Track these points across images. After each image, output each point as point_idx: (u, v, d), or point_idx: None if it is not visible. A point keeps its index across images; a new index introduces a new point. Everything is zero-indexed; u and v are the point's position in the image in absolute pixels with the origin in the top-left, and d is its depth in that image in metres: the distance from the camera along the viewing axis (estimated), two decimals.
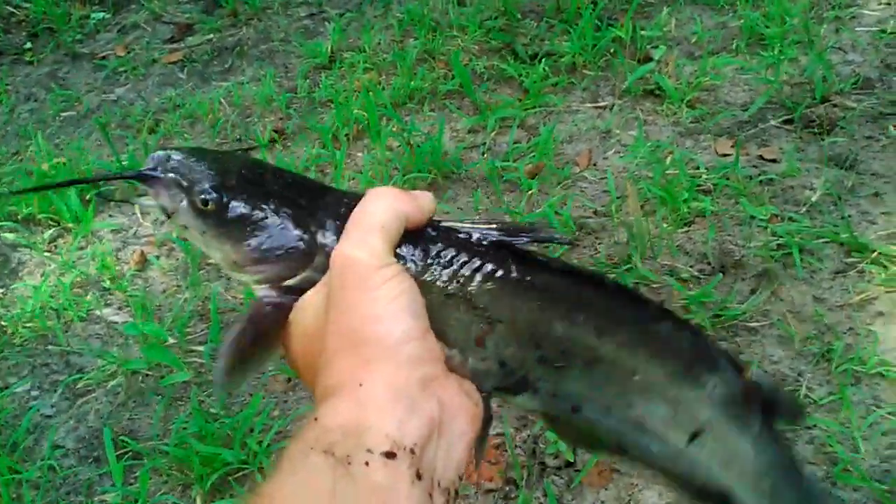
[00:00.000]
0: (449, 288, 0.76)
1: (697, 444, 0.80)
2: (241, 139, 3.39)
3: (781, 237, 2.44)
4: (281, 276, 0.78)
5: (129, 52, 4.20)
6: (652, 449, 0.80)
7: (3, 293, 2.76)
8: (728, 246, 2.49)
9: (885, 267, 2.30)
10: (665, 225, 2.59)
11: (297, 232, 0.78)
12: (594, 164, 2.98)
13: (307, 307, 0.77)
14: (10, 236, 2.95)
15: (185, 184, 0.78)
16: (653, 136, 3.01)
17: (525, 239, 0.80)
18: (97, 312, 2.66)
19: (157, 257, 2.85)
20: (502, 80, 3.48)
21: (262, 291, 0.79)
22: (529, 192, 2.83)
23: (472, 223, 0.80)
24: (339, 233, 0.76)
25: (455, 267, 0.77)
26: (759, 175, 2.72)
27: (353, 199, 0.77)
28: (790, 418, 0.83)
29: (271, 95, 3.60)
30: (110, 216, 3.08)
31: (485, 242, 0.79)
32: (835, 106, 2.97)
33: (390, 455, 0.66)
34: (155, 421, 2.27)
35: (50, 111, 3.80)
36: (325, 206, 0.79)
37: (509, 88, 3.45)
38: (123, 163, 3.14)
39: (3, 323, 2.63)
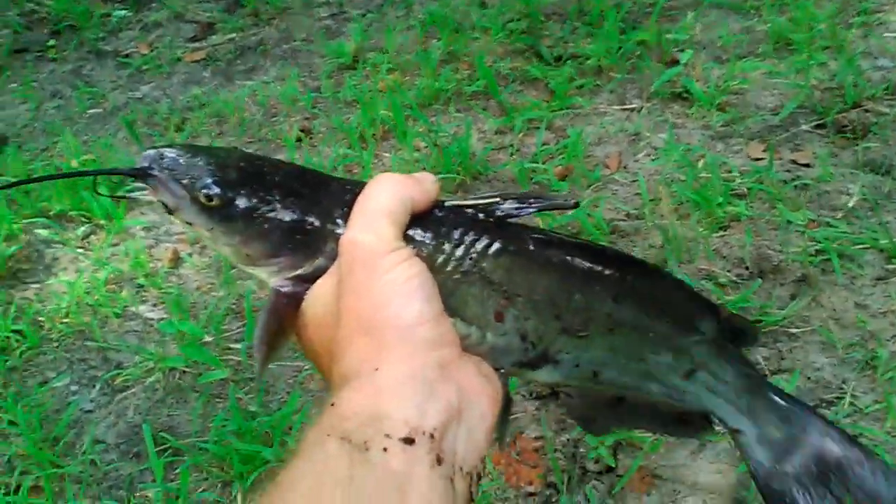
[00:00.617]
0: (462, 266, 0.77)
1: (691, 379, 0.86)
2: (269, 138, 3.39)
3: (820, 242, 2.44)
4: (293, 267, 0.79)
5: (152, 50, 4.20)
6: (652, 390, 0.86)
7: (39, 289, 2.76)
8: (765, 251, 2.49)
9: None
10: (700, 229, 2.59)
11: (305, 221, 0.78)
12: (624, 167, 2.98)
13: (319, 295, 0.77)
14: (43, 232, 2.94)
15: (186, 180, 0.77)
16: (683, 139, 3.01)
17: (532, 208, 0.81)
18: (132, 309, 2.66)
19: (190, 255, 2.85)
20: (527, 82, 3.49)
21: (277, 282, 0.80)
22: (560, 193, 2.83)
23: (476, 198, 0.82)
24: (346, 219, 0.76)
25: (466, 244, 0.78)
26: (794, 180, 2.72)
27: (358, 186, 0.78)
28: (752, 342, 0.90)
29: (296, 95, 3.61)
30: (142, 213, 3.08)
31: (492, 218, 0.80)
32: (867, 111, 2.97)
33: (409, 441, 0.65)
34: (194, 418, 2.27)
35: (76, 108, 3.80)
36: (331, 194, 0.80)
37: (535, 90, 3.45)
38: None
39: (39, 318, 2.63)
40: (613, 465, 2.03)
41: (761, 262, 2.45)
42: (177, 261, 2.83)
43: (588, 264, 0.82)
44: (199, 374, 2.39)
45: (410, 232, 0.77)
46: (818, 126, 2.96)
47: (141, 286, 2.74)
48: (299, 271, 0.79)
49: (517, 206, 0.81)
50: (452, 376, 0.71)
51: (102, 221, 2.96)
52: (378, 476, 0.64)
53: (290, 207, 0.78)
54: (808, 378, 2.14)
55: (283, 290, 0.79)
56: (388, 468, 0.64)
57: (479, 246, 0.78)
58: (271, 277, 0.80)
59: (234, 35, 4.22)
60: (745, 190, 2.71)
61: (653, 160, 2.94)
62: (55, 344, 2.57)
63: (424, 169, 3.03)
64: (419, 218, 0.78)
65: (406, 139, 3.15)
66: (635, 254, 2.55)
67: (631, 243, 2.62)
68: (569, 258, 0.81)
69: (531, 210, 0.81)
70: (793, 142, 2.93)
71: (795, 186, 2.69)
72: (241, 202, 0.77)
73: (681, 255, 2.48)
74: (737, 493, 1.93)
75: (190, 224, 0.80)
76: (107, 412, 2.36)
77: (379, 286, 0.71)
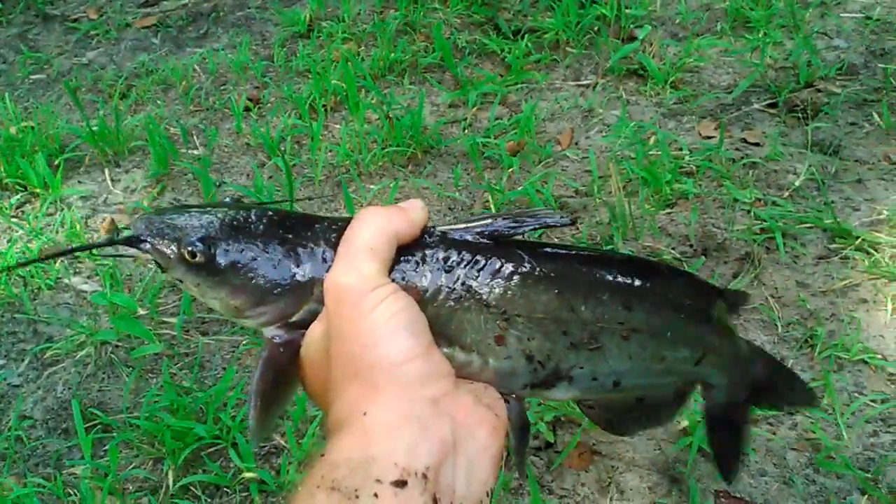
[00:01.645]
0: (455, 293, 0.76)
1: (701, 363, 0.87)
2: (216, 107, 3.31)
3: (765, 221, 2.43)
4: (284, 314, 0.78)
5: (101, 16, 4.08)
6: (667, 383, 0.87)
7: None
8: (711, 229, 2.47)
9: (868, 254, 2.30)
10: (647, 206, 2.56)
11: (290, 267, 0.78)
12: (576, 143, 2.95)
13: (312, 340, 0.76)
14: None
15: (171, 242, 0.79)
16: (635, 116, 2.98)
17: (525, 227, 0.80)
18: (66, 281, 2.59)
19: (128, 226, 2.77)
20: (484, 55, 3.43)
21: (271, 332, 0.79)
22: (510, 169, 2.79)
23: (467, 223, 0.80)
24: (332, 261, 0.76)
25: (457, 270, 0.77)
26: (743, 158, 2.70)
27: (343, 224, 0.78)
28: (741, 308, 0.95)
29: (247, 63, 3.52)
30: (79, 182, 2.99)
31: (483, 240, 0.79)
32: (819, 91, 2.96)
33: (401, 483, 0.63)
34: (125, 393, 2.21)
35: (19, 73, 3.68)
36: (315, 236, 0.79)
37: (491, 64, 3.40)
38: (93, 128, 3.05)
39: None
40: (552, 442, 2.01)
41: (706, 240, 2.43)
42: (114, 231, 2.75)
43: (590, 274, 0.80)
44: (131, 348, 2.33)
45: (399, 264, 0.76)
46: (770, 105, 2.95)
47: (75, 257, 2.66)
48: (291, 318, 0.78)
49: (510, 225, 0.80)
50: (446, 410, 0.69)
51: (38, 190, 2.87)
52: None
53: (274, 255, 0.78)
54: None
55: (276, 339, 0.79)
56: None
57: (471, 270, 0.77)
58: (264, 327, 0.80)
59: (186, 1, 4.11)
60: (694, 168, 2.68)
61: (604, 137, 2.91)
62: None
63: (375, 141, 2.98)
64: (408, 248, 0.77)
65: (358, 110, 3.09)
66: (582, 230, 2.52)
67: (579, 220, 2.59)
68: (568, 270, 0.80)
69: (525, 229, 0.80)
70: (744, 120, 2.91)
71: (744, 165, 2.67)
72: (224, 256, 0.78)
73: (626, 232, 2.46)
74: (674, 470, 1.92)
75: (181, 281, 0.81)
76: (35, 387, 2.29)
77: (364, 327, 0.69)
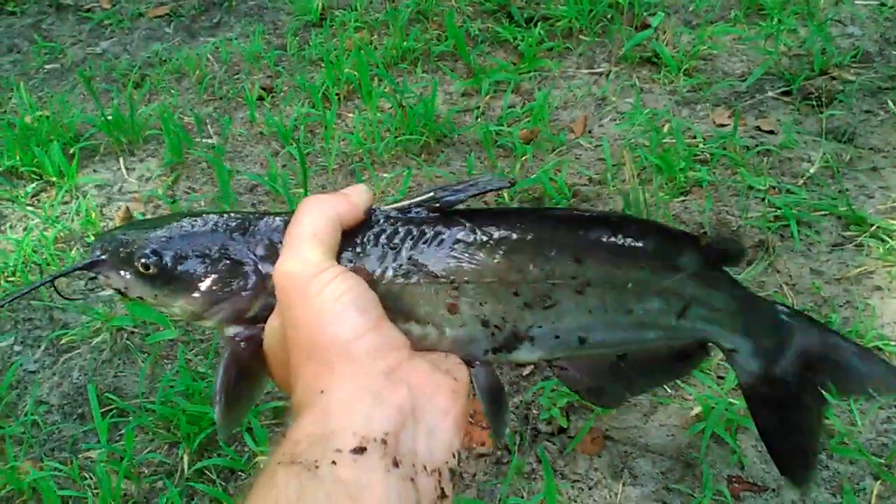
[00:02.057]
0: (402, 269, 0.77)
1: (686, 316, 0.84)
2: (229, 96, 3.32)
3: (779, 209, 2.42)
4: (241, 311, 0.81)
5: (114, 5, 4.09)
6: (649, 338, 0.84)
7: None
8: (725, 216, 2.47)
9: (883, 241, 2.29)
10: (661, 194, 2.56)
11: (239, 265, 0.80)
12: (589, 131, 2.94)
13: (270, 332, 0.78)
14: None
15: (125, 258, 0.81)
16: (649, 104, 2.97)
17: (467, 193, 0.80)
18: None
19: (143, 214, 2.79)
20: (497, 44, 3.43)
21: (231, 330, 0.81)
22: (524, 157, 2.79)
23: (410, 199, 0.81)
24: (277, 252, 0.78)
25: (403, 246, 0.78)
26: (757, 146, 2.69)
27: (289, 217, 0.79)
28: (739, 259, 0.88)
29: (260, 52, 3.53)
30: (95, 171, 3.01)
31: (426, 213, 0.80)
32: (833, 79, 2.95)
33: (359, 450, 0.65)
34: (141, 378, 2.23)
35: (33, 63, 3.70)
36: (262, 231, 0.81)
37: (504, 52, 3.39)
38: (108, 117, 3.06)
39: None
40: (565, 427, 2.01)
41: (720, 227, 2.43)
42: (129, 219, 2.77)
43: (535, 232, 0.80)
44: (146, 334, 2.34)
45: (347, 248, 0.78)
46: (784, 93, 2.93)
47: (87, 244, 2.68)
48: (248, 314, 0.80)
49: (452, 195, 0.80)
50: (402, 380, 0.70)
51: (54, 178, 2.89)
52: (328, 489, 0.63)
53: (221, 255, 0.80)
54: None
55: (237, 336, 0.81)
56: (338, 479, 0.64)
57: (416, 244, 0.78)
58: (225, 326, 0.82)
59: None
60: (708, 156, 2.68)
61: (617, 125, 2.90)
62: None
63: (388, 130, 2.98)
64: (354, 232, 0.78)
65: (371, 99, 3.09)
66: None
67: (592, 207, 2.59)
68: (512, 231, 0.79)
69: (467, 195, 0.80)
70: (758, 108, 2.90)
71: (758, 153, 2.67)
72: (174, 263, 0.80)
73: None
74: (687, 456, 1.92)
75: (141, 298, 0.83)
76: (51, 373, 2.31)
77: (313, 310, 0.71)
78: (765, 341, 0.87)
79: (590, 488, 1.90)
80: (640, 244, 0.82)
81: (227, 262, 0.80)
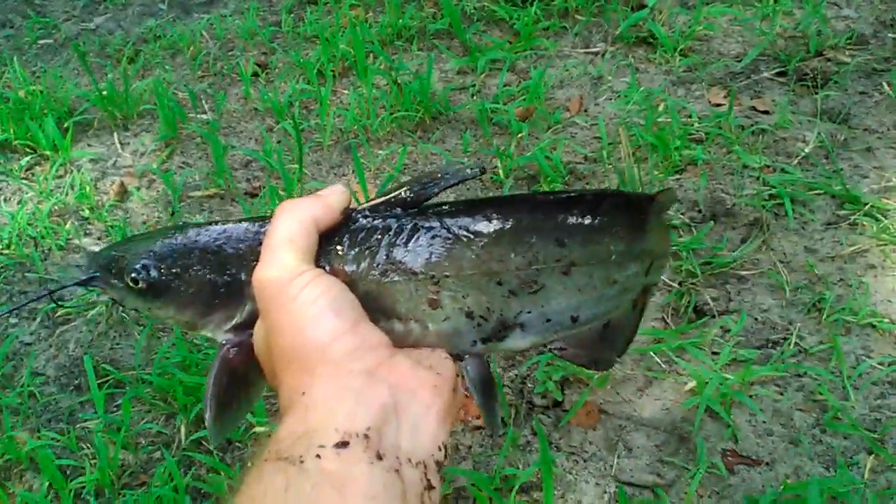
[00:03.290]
0: (380, 267, 0.77)
1: (650, 271, 0.88)
2: (224, 72, 3.31)
3: (774, 187, 2.44)
4: (230, 318, 0.82)
5: None
6: (626, 300, 0.87)
7: None
8: (719, 195, 2.48)
9: (876, 220, 2.31)
10: (656, 172, 2.57)
11: (222, 274, 0.81)
12: (585, 110, 2.95)
13: (257, 338, 0.79)
14: None
15: (116, 274, 0.84)
16: (645, 83, 2.98)
17: (440, 185, 0.81)
18: (76, 241, 2.60)
19: (138, 188, 2.78)
20: (492, 22, 3.42)
21: (223, 336, 0.83)
22: (519, 135, 2.80)
23: (384, 195, 0.82)
24: (259, 259, 0.79)
25: (380, 245, 0.78)
26: (752, 126, 2.70)
27: (267, 223, 0.80)
28: (672, 202, 0.95)
29: (254, 29, 3.51)
30: (89, 146, 3.00)
31: (401, 210, 0.80)
32: (828, 60, 2.96)
33: (343, 444, 0.66)
34: (137, 350, 2.23)
35: (26, 38, 3.67)
36: (240, 238, 0.83)
37: (499, 31, 3.39)
38: (103, 92, 3.05)
39: None
40: (560, 400, 2.03)
41: (714, 206, 2.44)
42: (123, 194, 2.76)
43: (513, 219, 0.80)
44: None
45: (324, 250, 0.78)
46: (779, 73, 2.94)
47: (85, 219, 2.67)
48: (235, 321, 0.82)
49: (424, 188, 0.81)
50: (382, 378, 0.71)
51: (48, 152, 2.88)
52: (314, 480, 0.64)
53: (205, 266, 0.82)
54: (756, 319, 2.14)
55: (226, 342, 0.83)
56: (324, 471, 0.64)
57: (392, 242, 0.78)
58: (216, 334, 0.84)
59: None
60: (703, 135, 2.69)
61: (613, 104, 2.91)
62: None
63: (383, 107, 2.98)
64: (331, 233, 0.79)
65: (366, 76, 3.08)
66: None
67: (587, 185, 2.60)
68: (489, 220, 0.79)
69: (439, 188, 0.81)
70: (753, 89, 2.90)
71: (753, 133, 2.68)
72: (162, 278, 0.82)
73: None
74: (681, 429, 1.94)
75: (136, 310, 0.89)
76: (47, 345, 2.31)
77: (291, 314, 0.72)
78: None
79: (585, 460, 1.91)
80: (616, 216, 0.83)
81: (213, 271, 0.82)
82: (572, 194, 0.86)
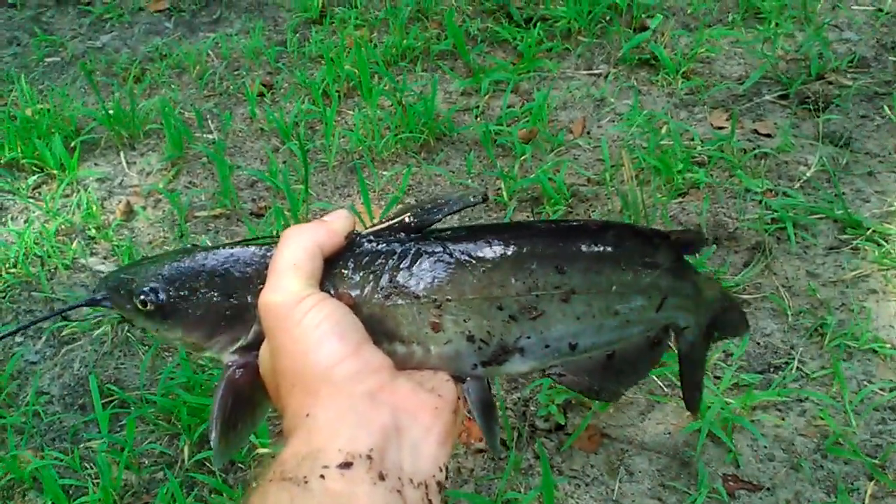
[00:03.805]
0: (383, 291, 0.79)
1: (663, 308, 0.88)
2: (230, 92, 3.33)
3: (776, 211, 2.45)
4: (236, 339, 0.84)
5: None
6: (633, 333, 0.88)
7: None
8: (722, 218, 2.49)
9: (878, 245, 2.32)
10: (659, 195, 2.59)
11: (229, 297, 0.83)
12: (588, 132, 2.96)
13: (262, 360, 0.81)
14: None
15: (125, 296, 0.86)
16: (647, 106, 3.00)
17: (444, 212, 0.83)
18: (82, 261, 2.61)
19: (144, 208, 2.80)
20: (496, 43, 3.45)
21: (228, 358, 0.85)
22: (522, 157, 2.81)
23: (388, 220, 0.84)
24: (265, 283, 0.80)
25: (383, 269, 0.80)
26: (754, 149, 2.72)
27: (273, 246, 0.82)
28: (701, 247, 0.95)
29: (260, 48, 3.54)
30: (95, 164, 3.02)
31: (404, 235, 0.83)
32: (830, 83, 2.98)
33: (346, 465, 0.67)
34: (142, 370, 2.24)
35: (33, 56, 3.70)
36: (247, 262, 0.85)
37: (503, 52, 3.41)
38: (109, 111, 3.07)
39: None
40: (563, 424, 2.03)
41: (717, 229, 2.45)
42: (129, 213, 2.78)
43: (514, 246, 0.82)
44: None
45: (329, 274, 0.80)
46: (781, 97, 2.96)
47: (92, 238, 2.69)
48: (241, 343, 0.84)
49: (427, 214, 0.83)
50: (384, 400, 0.73)
51: (55, 171, 2.90)
52: (318, 500, 0.65)
53: (212, 289, 0.84)
54: (758, 343, 2.15)
55: (232, 364, 0.85)
56: (328, 491, 0.66)
57: (395, 266, 0.80)
58: (222, 355, 0.85)
59: None
60: (706, 158, 2.70)
61: (615, 126, 2.93)
62: (1, 294, 2.52)
63: (388, 128, 3.00)
64: (335, 258, 0.81)
65: (371, 97, 3.11)
66: (594, 219, 2.54)
67: (590, 208, 2.62)
68: (491, 246, 0.82)
69: (443, 214, 0.83)
70: (755, 112, 2.92)
71: (755, 156, 2.69)
72: (170, 301, 0.84)
73: (639, 221, 2.48)
74: (683, 454, 1.95)
75: (145, 330, 0.90)
76: (52, 364, 2.32)
77: (295, 338, 0.73)
78: (703, 315, 0.95)
79: (586, 485, 1.92)
80: (619, 247, 0.85)
81: (220, 294, 0.84)
82: (576, 223, 0.88)
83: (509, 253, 0.81)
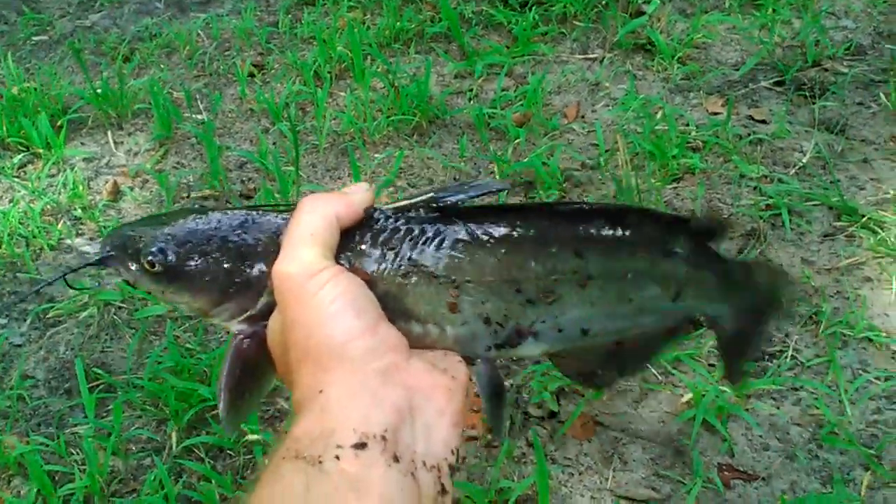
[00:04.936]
0: (401, 268, 0.77)
1: (680, 298, 0.86)
2: (220, 72, 3.28)
3: (771, 198, 2.43)
4: (244, 308, 0.81)
5: None
6: (646, 322, 0.86)
7: None
8: (717, 204, 2.47)
9: (873, 232, 2.31)
10: (654, 180, 2.56)
11: (243, 264, 0.81)
12: (582, 117, 2.94)
13: (272, 330, 0.79)
14: None
15: (132, 255, 0.82)
16: (642, 91, 2.97)
17: (464, 196, 0.81)
18: (68, 241, 2.57)
19: (131, 188, 2.76)
20: (491, 27, 3.41)
21: (235, 326, 0.82)
22: (516, 140, 2.78)
23: (410, 199, 0.82)
24: (278, 252, 0.77)
25: (402, 246, 0.78)
26: (749, 135, 2.70)
27: (289, 215, 0.79)
28: (725, 233, 0.90)
29: (251, 29, 3.49)
30: (82, 144, 2.97)
31: (425, 213, 0.80)
32: (826, 70, 2.96)
33: (361, 445, 0.66)
34: (129, 354, 2.20)
35: (21, 34, 3.64)
36: (264, 229, 0.82)
37: (498, 35, 3.38)
38: (97, 90, 3.02)
39: None
40: (556, 411, 2.01)
41: (712, 215, 2.43)
42: (116, 193, 2.73)
43: (536, 229, 0.80)
44: (135, 309, 2.32)
45: (345, 247, 0.78)
46: (777, 83, 2.94)
47: (78, 218, 2.65)
48: (250, 311, 0.81)
49: (452, 195, 0.81)
50: (398, 380, 0.71)
51: (41, 150, 2.85)
52: (334, 481, 0.64)
53: (224, 254, 0.81)
54: None
55: (240, 333, 0.82)
56: (343, 473, 0.65)
57: (415, 244, 0.78)
58: (230, 323, 0.83)
59: None
60: (701, 143, 2.68)
61: (610, 111, 2.90)
62: None
63: (380, 110, 2.96)
64: (353, 231, 0.78)
65: (363, 78, 3.07)
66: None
67: (584, 193, 2.59)
68: (512, 228, 0.80)
69: (466, 196, 0.81)
70: (751, 98, 2.90)
71: (751, 142, 2.67)
72: (179, 262, 0.81)
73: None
74: (677, 442, 1.93)
75: (150, 293, 0.85)
76: (37, 347, 2.28)
77: (309, 311, 0.72)
78: (739, 303, 0.92)
79: (580, 473, 1.90)
80: (638, 233, 0.83)
81: (232, 261, 0.80)
82: (596, 205, 0.85)
83: (530, 235, 0.80)
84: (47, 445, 2.01)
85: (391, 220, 0.80)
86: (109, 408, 2.09)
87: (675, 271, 0.85)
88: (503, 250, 0.78)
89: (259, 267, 0.80)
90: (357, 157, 2.76)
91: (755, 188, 2.50)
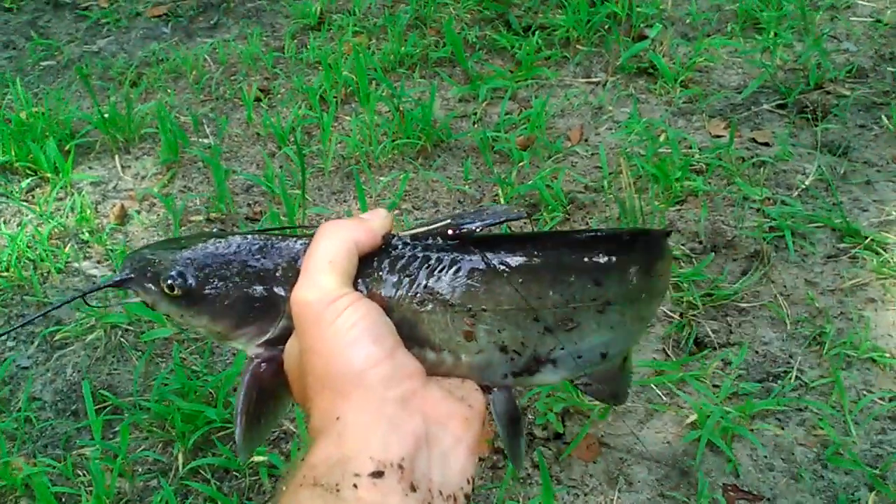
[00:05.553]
0: (417, 296, 0.77)
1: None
2: (226, 97, 3.32)
3: (774, 220, 2.44)
4: (262, 333, 0.82)
5: (112, 4, 4.08)
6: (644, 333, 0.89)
7: None
8: (720, 226, 2.48)
9: (877, 254, 2.32)
10: (657, 203, 2.57)
11: (259, 289, 0.81)
12: (586, 140, 2.96)
13: (289, 355, 0.79)
14: None
15: (151, 278, 0.83)
16: (645, 114, 2.99)
17: (481, 224, 0.80)
18: (75, 265, 2.59)
19: (138, 212, 2.78)
20: (494, 51, 3.44)
21: (252, 350, 0.83)
22: (520, 163, 2.80)
23: (427, 225, 0.81)
24: (297, 278, 0.78)
25: (419, 273, 0.78)
26: (752, 158, 2.72)
27: (309, 239, 0.80)
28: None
29: (258, 54, 3.53)
30: (90, 168, 3.00)
31: (442, 241, 0.80)
32: (828, 93, 2.98)
33: (378, 474, 0.66)
34: (135, 376, 2.21)
35: (29, 59, 3.68)
36: (280, 254, 0.82)
37: (501, 59, 3.41)
38: (105, 115, 3.06)
39: None
40: (561, 432, 2.02)
41: (715, 237, 2.45)
42: (124, 217, 2.76)
43: (553, 258, 0.80)
44: (141, 331, 2.33)
45: (363, 273, 0.78)
46: (779, 106, 2.96)
47: (85, 242, 2.67)
48: (267, 336, 0.82)
49: (469, 223, 0.80)
50: (415, 408, 0.71)
51: (49, 174, 2.88)
52: None
53: (244, 280, 0.81)
54: (757, 352, 2.14)
55: (257, 357, 0.83)
56: (360, 501, 0.64)
57: (431, 272, 0.78)
58: (247, 347, 0.83)
59: None
60: (704, 166, 2.70)
61: (613, 134, 2.92)
62: None
63: (385, 134, 2.98)
64: (371, 257, 0.79)
65: (368, 102, 3.10)
66: (591, 226, 2.53)
67: (588, 215, 2.61)
68: (529, 258, 0.80)
69: (483, 224, 0.80)
70: (753, 121, 2.92)
71: (754, 164, 2.69)
72: (198, 287, 0.82)
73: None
74: (682, 463, 1.93)
75: (168, 316, 0.85)
76: (44, 369, 2.30)
77: (328, 338, 0.72)
78: None
79: (585, 494, 1.90)
80: (644, 255, 0.84)
81: (251, 286, 0.81)
82: (612, 232, 0.87)
83: (548, 264, 0.80)
84: (54, 467, 2.02)
85: (409, 248, 0.80)
86: (116, 429, 2.10)
87: (663, 283, 0.88)
88: (520, 279, 0.78)
89: (278, 291, 0.81)
90: (362, 181, 2.78)
91: (758, 210, 2.51)
